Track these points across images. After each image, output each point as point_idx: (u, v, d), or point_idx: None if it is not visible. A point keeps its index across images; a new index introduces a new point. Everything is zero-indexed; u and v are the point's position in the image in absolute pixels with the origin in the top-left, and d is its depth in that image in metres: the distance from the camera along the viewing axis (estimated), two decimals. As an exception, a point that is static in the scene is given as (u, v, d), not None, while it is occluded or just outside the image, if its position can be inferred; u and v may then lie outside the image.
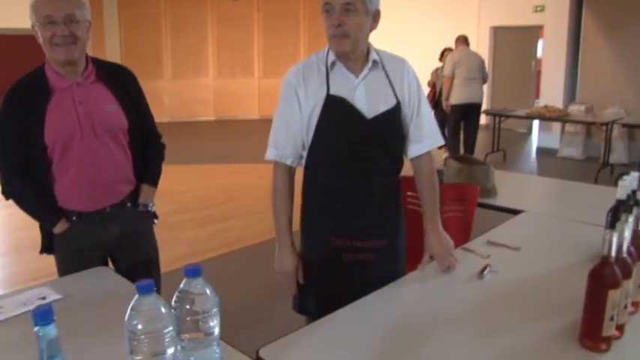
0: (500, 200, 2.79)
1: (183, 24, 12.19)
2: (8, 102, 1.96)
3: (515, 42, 10.49)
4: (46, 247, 2.13)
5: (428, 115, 1.91)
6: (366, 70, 1.81)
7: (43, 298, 1.74)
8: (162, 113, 12.22)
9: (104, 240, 2.11)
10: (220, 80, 12.68)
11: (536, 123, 9.80)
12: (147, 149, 2.22)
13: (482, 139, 8.90)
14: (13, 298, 1.74)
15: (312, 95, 1.79)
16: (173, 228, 5.10)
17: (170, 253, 4.43)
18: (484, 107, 9.94)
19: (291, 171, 1.90)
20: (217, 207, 5.81)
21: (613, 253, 1.33)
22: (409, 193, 2.16)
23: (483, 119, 8.81)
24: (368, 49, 1.84)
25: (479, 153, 7.67)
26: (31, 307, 1.34)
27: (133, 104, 2.11)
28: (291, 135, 1.84)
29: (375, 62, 1.83)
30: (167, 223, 5.21)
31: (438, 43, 10.84)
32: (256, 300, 3.67)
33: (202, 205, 5.87)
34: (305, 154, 1.88)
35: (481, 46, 10.62)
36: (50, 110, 1.95)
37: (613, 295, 1.33)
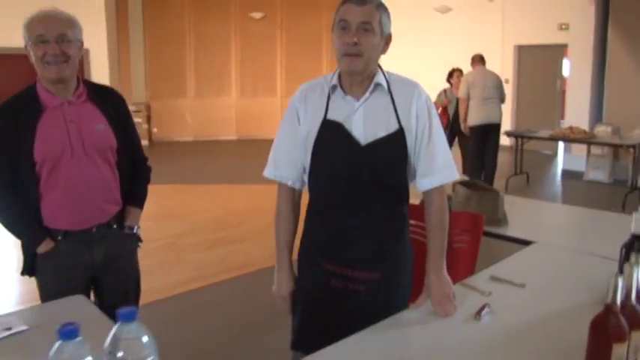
0: (511, 230, 2.63)
1: (207, 41, 12.26)
2: None
3: (540, 61, 10.27)
4: (29, 269, 2.09)
5: (441, 146, 1.77)
6: (367, 94, 1.72)
7: (9, 329, 1.67)
8: (185, 132, 12.32)
9: (89, 261, 2.07)
10: (243, 100, 12.70)
11: (561, 144, 9.52)
12: (134, 171, 2.21)
13: (504, 161, 8.67)
14: (-23, 329, 1.66)
15: (311, 118, 1.75)
16: (181, 251, 5.02)
17: (175, 277, 4.37)
18: (507, 128, 9.81)
19: (294, 193, 1.86)
20: (229, 229, 5.72)
21: (618, 300, 1.18)
22: (412, 222, 2.03)
23: (507, 141, 8.58)
24: (374, 73, 1.74)
25: (501, 175, 7.47)
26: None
27: (121, 125, 2.12)
28: (291, 156, 1.81)
29: (377, 85, 1.73)
30: (176, 245, 5.15)
31: (461, 62, 10.79)
32: (255, 326, 3.53)
33: (214, 227, 5.78)
34: (306, 177, 1.83)
35: (505, 65, 10.45)
36: (41, 127, 1.96)
37: (618, 350, 1.17)
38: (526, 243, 2.41)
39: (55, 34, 1.91)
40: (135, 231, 2.20)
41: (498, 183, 7.53)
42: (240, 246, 5.16)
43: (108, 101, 2.11)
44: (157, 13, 12.02)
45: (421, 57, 11.15)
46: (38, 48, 1.92)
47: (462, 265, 2.29)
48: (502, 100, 6.93)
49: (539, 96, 10.32)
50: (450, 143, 7.40)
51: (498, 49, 10.48)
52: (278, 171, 1.83)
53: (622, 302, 1.18)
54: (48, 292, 2.02)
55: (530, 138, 7.38)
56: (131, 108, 8.84)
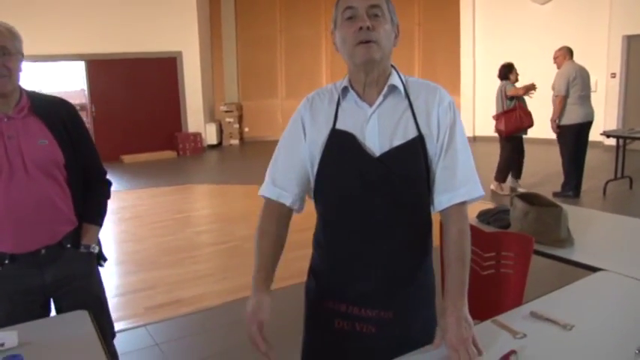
0: (577, 252, 2.24)
1: (298, 43, 12.35)
2: None
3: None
4: None
5: (464, 157, 1.49)
6: (381, 98, 1.49)
7: (1, 344, 1.60)
8: (275, 131, 12.44)
9: (39, 284, 1.97)
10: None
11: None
12: (90, 186, 2.08)
13: (602, 164, 7.87)
14: None
15: (318, 128, 1.53)
16: (246, 254, 4.96)
17: (237, 281, 4.32)
18: (611, 126, 8.91)
19: (285, 213, 1.57)
20: (300, 233, 5.58)
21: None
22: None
23: (607, 141, 7.79)
24: (390, 73, 1.52)
25: (598, 180, 6.78)
26: None
27: (70, 139, 1.99)
28: (291, 172, 1.56)
29: (393, 87, 1.49)
30: (241, 248, 5.12)
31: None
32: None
33: (284, 230, 5.70)
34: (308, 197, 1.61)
35: (612, 57, 9.52)
36: None
37: None
38: (593, 270, 2.05)
39: None
40: (91, 249, 2.06)
41: (596, 188, 6.84)
42: (304, 252, 5.01)
43: (55, 114, 1.98)
44: (249, 17, 12.32)
45: (518, 52, 10.44)
46: None
47: (508, 294, 1.98)
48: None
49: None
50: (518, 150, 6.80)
51: (604, 41, 9.55)
52: (277, 188, 1.56)
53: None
54: None
55: (633, 139, 6.61)
56: (223, 108, 9.12)
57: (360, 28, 1.42)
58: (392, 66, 1.54)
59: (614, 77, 9.53)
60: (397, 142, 1.46)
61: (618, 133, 6.94)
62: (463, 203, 1.49)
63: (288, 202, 1.55)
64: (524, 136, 6.86)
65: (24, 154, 1.90)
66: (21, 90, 1.96)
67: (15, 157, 1.89)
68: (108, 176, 2.20)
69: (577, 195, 6.44)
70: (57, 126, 1.96)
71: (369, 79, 1.49)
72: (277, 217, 1.57)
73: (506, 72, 6.79)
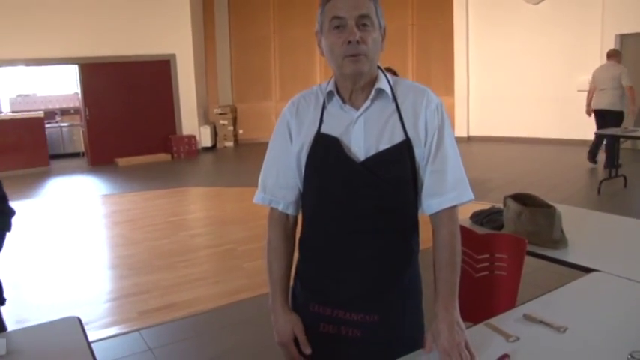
0: (570, 253, 2.23)
1: (292, 45, 12.30)
2: None
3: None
4: None
5: (454, 160, 1.48)
6: (368, 102, 1.47)
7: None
8: (270, 134, 12.28)
9: None
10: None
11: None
12: None
13: (601, 162, 7.92)
14: None
15: (304, 132, 1.51)
16: (239, 257, 4.95)
17: (230, 284, 4.30)
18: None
19: (287, 220, 1.60)
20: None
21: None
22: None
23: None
24: (377, 76, 1.49)
25: (593, 179, 6.79)
26: None
27: None
28: (282, 177, 1.56)
29: (380, 91, 1.47)
30: (236, 251, 5.10)
31: (555, 55, 9.99)
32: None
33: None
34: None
35: (605, 56, 9.52)
36: None
37: None
38: (587, 270, 2.04)
39: None
40: None
41: (590, 187, 6.85)
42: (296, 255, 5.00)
43: None
44: (243, 19, 12.29)
45: (512, 52, 10.47)
46: None
47: (501, 296, 1.97)
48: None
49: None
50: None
51: (598, 40, 9.57)
52: (268, 194, 1.57)
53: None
54: None
55: (627, 138, 6.63)
56: (217, 110, 9.08)
57: (350, 42, 1.39)
58: (379, 67, 1.52)
59: (607, 76, 9.55)
60: (383, 147, 1.44)
61: (612, 132, 6.96)
62: (453, 207, 1.48)
63: (279, 207, 1.57)
64: None
65: None
66: None
67: None
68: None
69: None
70: None
71: (356, 86, 1.47)
72: (283, 229, 1.60)
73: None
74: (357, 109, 1.48)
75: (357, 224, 1.47)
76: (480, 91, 11.09)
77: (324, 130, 1.48)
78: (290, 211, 1.58)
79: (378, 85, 1.47)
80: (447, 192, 1.46)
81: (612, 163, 6.97)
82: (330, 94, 1.51)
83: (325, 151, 1.47)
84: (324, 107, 1.51)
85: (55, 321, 1.85)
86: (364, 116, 1.47)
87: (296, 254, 1.65)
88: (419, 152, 1.46)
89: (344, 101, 1.49)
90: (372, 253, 1.49)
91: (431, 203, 1.47)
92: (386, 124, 1.46)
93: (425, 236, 1.57)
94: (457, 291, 1.45)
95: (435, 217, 1.49)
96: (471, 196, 1.49)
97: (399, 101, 1.48)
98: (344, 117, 1.48)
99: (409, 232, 1.54)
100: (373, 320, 1.51)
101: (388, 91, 1.48)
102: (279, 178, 1.56)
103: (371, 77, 1.48)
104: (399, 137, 1.45)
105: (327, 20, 1.43)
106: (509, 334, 1.52)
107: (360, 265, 1.50)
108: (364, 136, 1.45)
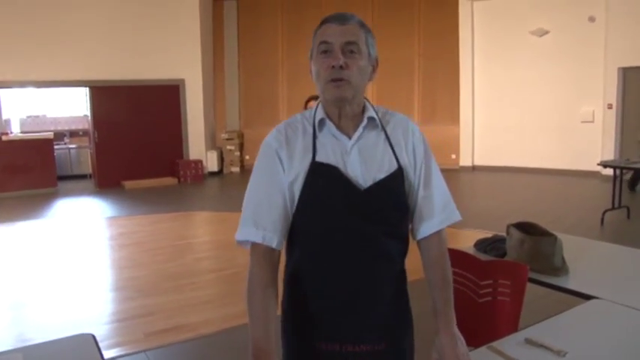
0: (571, 281, 2.29)
1: (299, 72, 12.41)
2: None
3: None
4: None
5: (440, 184, 1.55)
6: (360, 129, 1.49)
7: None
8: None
9: None
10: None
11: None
12: None
13: (600, 194, 7.94)
14: None
15: (297, 161, 1.47)
16: (245, 281, 4.91)
17: (235, 308, 4.33)
18: (608, 156, 9.01)
19: (274, 255, 1.47)
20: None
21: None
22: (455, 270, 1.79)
23: (605, 171, 7.90)
24: (364, 106, 1.54)
25: (596, 209, 6.84)
26: None
27: None
28: (274, 209, 1.46)
29: (371, 119, 1.51)
30: (242, 275, 5.07)
31: (560, 85, 10.12)
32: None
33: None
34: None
35: (608, 89, 9.67)
36: None
37: None
38: (587, 298, 2.09)
39: None
40: None
41: (593, 217, 6.88)
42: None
43: None
44: (252, 46, 12.54)
45: (517, 83, 10.62)
46: None
47: (503, 321, 2.02)
48: None
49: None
50: None
51: (600, 72, 9.72)
52: (260, 230, 1.44)
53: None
54: None
55: (630, 169, 6.70)
56: (224, 136, 9.14)
57: (333, 67, 1.42)
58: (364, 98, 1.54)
59: (610, 108, 9.66)
60: (381, 175, 1.47)
61: (615, 163, 7.03)
62: (442, 229, 1.54)
63: (273, 243, 1.45)
64: None
65: None
66: None
67: None
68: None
69: None
70: None
71: (343, 112, 1.48)
72: (273, 266, 1.48)
73: None
74: (349, 137, 1.49)
75: (364, 251, 1.47)
76: (485, 121, 11.21)
77: (319, 158, 1.46)
78: (279, 247, 1.47)
79: (369, 114, 1.50)
80: (437, 214, 1.52)
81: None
82: (321, 122, 1.49)
83: (326, 180, 1.44)
84: (315, 136, 1.49)
85: (70, 337, 1.90)
86: (357, 145, 1.48)
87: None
88: (410, 179, 1.51)
89: (336, 127, 1.48)
90: (377, 279, 1.50)
91: (423, 227, 1.53)
92: (379, 153, 1.49)
93: (411, 267, 1.59)
94: (453, 304, 1.51)
95: (425, 241, 1.54)
96: (458, 216, 1.55)
97: (387, 130, 1.52)
98: (337, 145, 1.47)
99: (404, 257, 1.57)
100: (381, 349, 1.53)
101: (377, 120, 1.52)
102: (272, 212, 1.46)
103: (358, 106, 1.50)
104: (393, 166, 1.48)
105: (316, 45, 1.47)
106: (511, 358, 1.58)
107: (365, 294, 1.49)
108: (360, 165, 1.46)
